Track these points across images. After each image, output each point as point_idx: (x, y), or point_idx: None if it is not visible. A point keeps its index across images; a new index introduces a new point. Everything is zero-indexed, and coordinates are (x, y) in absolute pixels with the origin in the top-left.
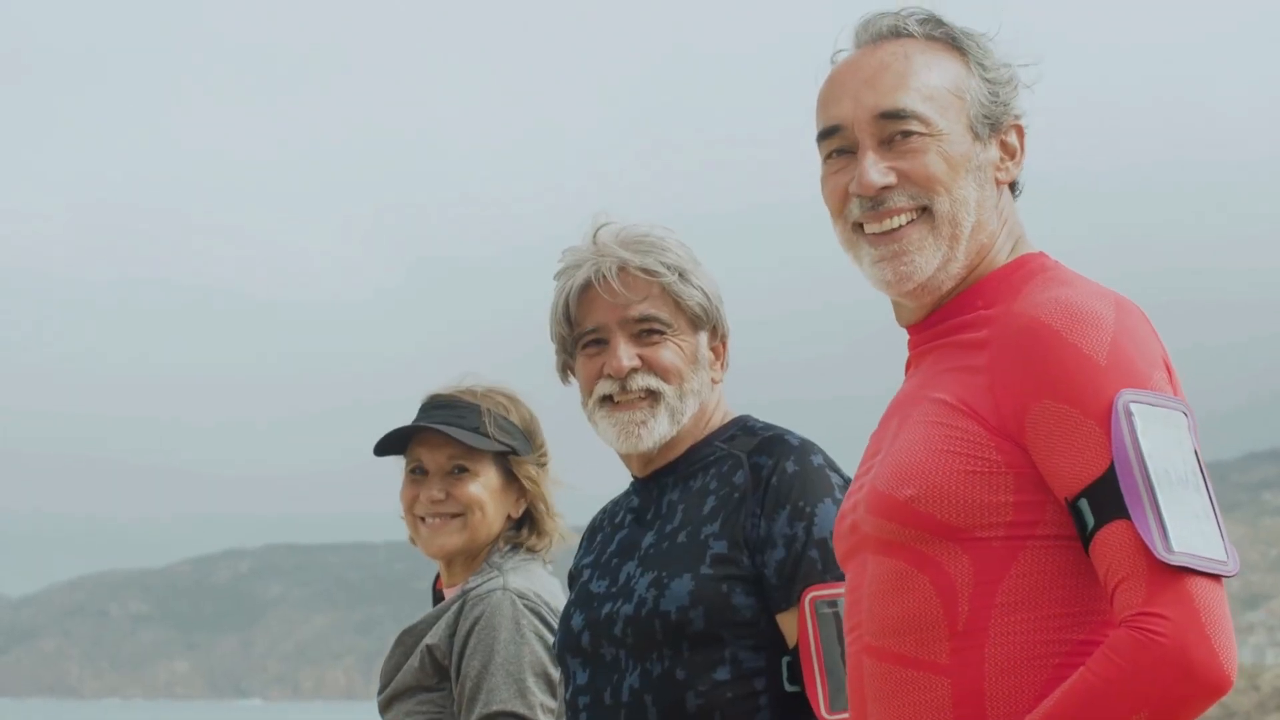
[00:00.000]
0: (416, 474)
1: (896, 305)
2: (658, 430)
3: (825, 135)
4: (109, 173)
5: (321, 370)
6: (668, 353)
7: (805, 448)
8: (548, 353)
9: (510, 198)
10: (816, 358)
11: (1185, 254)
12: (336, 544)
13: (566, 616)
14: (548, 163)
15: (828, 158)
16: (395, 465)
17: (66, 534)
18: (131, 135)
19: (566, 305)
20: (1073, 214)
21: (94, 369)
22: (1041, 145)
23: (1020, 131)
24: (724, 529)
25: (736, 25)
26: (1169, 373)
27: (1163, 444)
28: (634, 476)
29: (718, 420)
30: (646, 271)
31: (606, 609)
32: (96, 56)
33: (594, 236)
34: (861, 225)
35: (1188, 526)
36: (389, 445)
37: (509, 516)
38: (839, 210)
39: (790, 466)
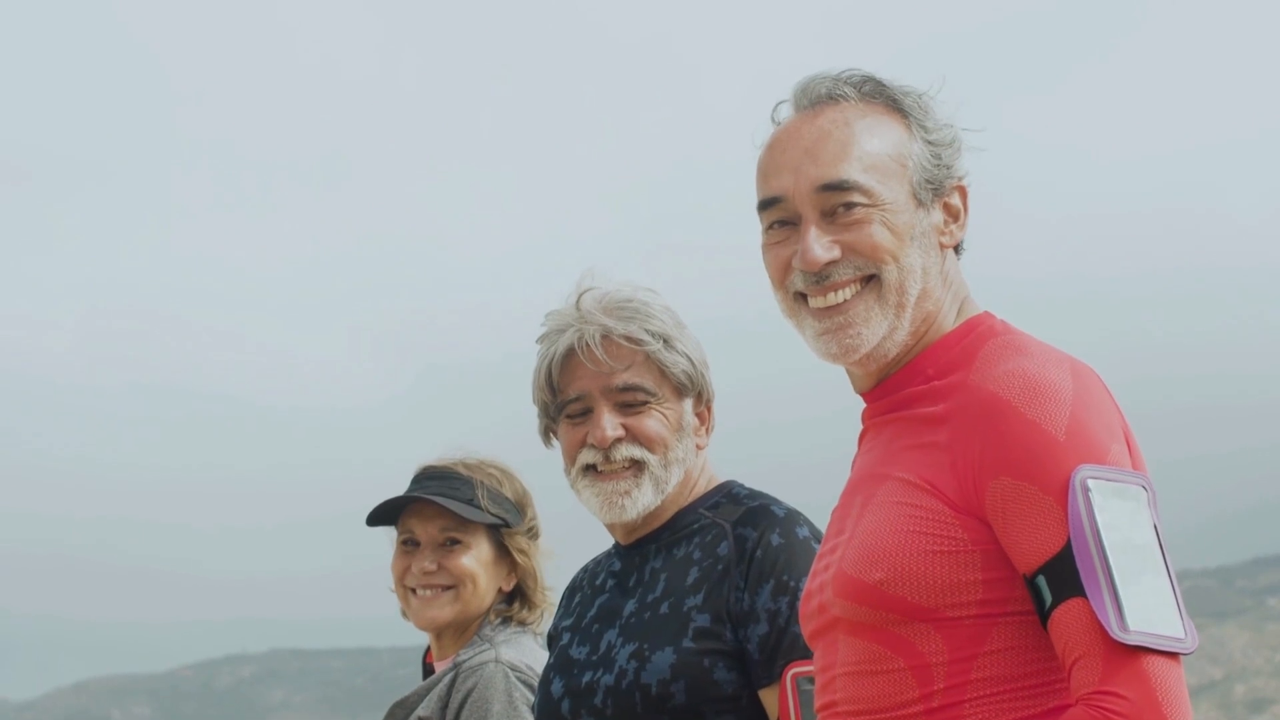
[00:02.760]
0: (408, 545)
1: (850, 374)
2: (642, 500)
3: (765, 206)
4: (114, 279)
5: (328, 476)
6: (652, 422)
7: (790, 519)
8: (558, 459)
9: (516, 303)
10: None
11: (1197, 359)
12: (340, 649)
13: (546, 681)
14: (553, 267)
15: (769, 228)
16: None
17: (69, 638)
18: (136, 242)
19: (549, 371)
20: (1087, 320)
21: (99, 473)
22: (1057, 252)
23: (963, 192)
24: (707, 601)
25: (741, 131)
26: (1129, 443)
27: (1120, 520)
28: (616, 543)
29: (702, 486)
30: (630, 340)
31: (587, 678)
32: (99, 163)
33: (577, 301)
34: (805, 296)
35: (1145, 605)
36: (381, 516)
37: (500, 589)
38: (781, 281)
39: (775, 539)
